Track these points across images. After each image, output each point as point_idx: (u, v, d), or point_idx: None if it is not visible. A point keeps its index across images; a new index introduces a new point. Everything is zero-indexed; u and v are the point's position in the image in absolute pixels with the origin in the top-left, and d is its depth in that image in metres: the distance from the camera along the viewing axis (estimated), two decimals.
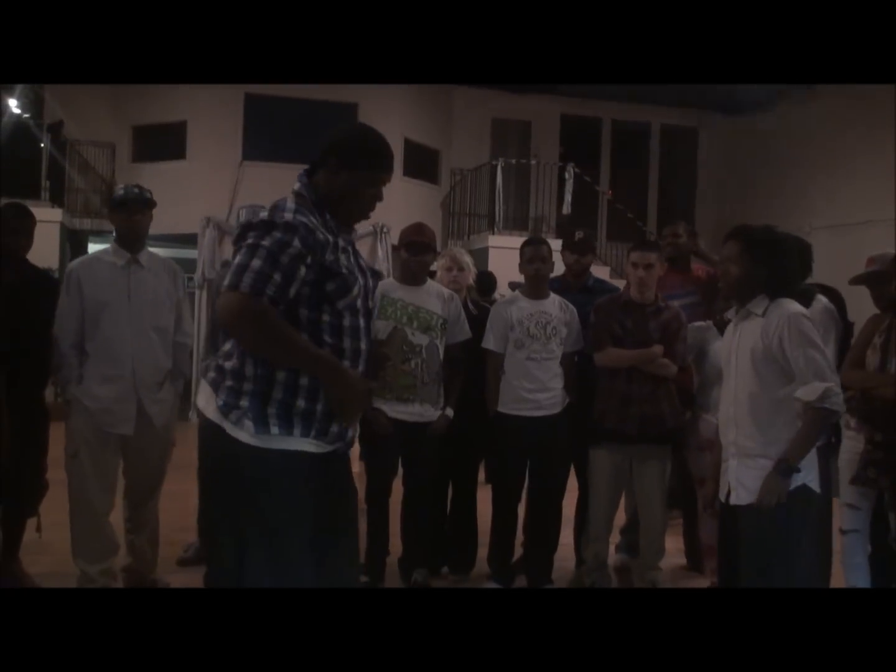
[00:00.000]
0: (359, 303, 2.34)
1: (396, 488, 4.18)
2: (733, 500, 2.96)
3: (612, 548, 4.53)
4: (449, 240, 13.18)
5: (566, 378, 4.22)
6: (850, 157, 12.20)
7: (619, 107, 14.86)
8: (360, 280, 2.35)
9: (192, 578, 4.18)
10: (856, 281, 3.76)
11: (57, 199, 12.86)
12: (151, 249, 4.00)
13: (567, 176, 12.73)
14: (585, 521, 4.37)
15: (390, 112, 12.22)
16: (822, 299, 3.72)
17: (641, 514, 4.26)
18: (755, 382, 2.92)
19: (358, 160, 2.34)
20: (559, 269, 4.43)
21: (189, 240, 11.62)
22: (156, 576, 4.01)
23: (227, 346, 2.31)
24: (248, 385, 2.24)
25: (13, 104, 13.02)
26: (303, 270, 2.21)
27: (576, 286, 4.51)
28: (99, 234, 12.65)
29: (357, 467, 3.63)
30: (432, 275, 4.39)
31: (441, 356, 4.11)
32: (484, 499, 4.47)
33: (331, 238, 2.28)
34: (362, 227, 2.73)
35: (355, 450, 3.26)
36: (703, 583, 4.40)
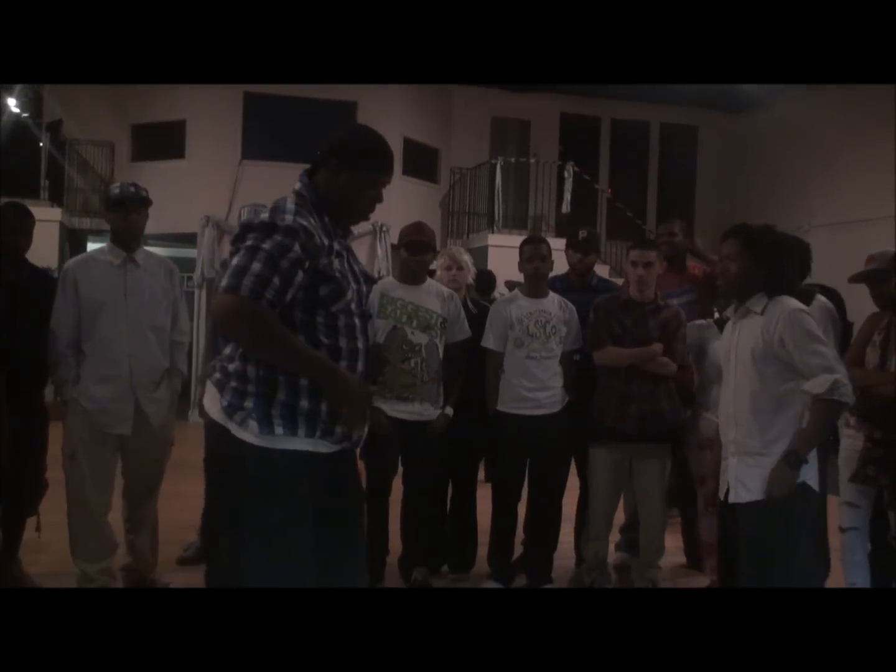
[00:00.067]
0: (353, 306, 2.33)
1: (396, 487, 4.18)
2: (732, 499, 2.96)
3: (611, 546, 4.53)
4: (448, 239, 13.17)
5: (565, 377, 4.22)
6: (850, 154, 12.20)
7: (618, 105, 14.85)
8: (354, 285, 2.35)
9: (192, 577, 4.18)
10: (855, 279, 3.76)
11: (56, 199, 12.85)
12: (150, 248, 4.00)
13: (566, 174, 12.73)
14: (585, 520, 4.37)
15: (390, 111, 12.21)
16: (821, 299, 3.73)
17: (641, 513, 4.26)
18: (755, 380, 2.92)
19: (358, 161, 2.34)
20: (558, 267, 4.43)
21: (188, 239, 11.62)
22: (155, 575, 4.01)
23: (229, 350, 2.32)
24: (252, 386, 2.25)
25: (12, 103, 13.00)
26: (301, 275, 2.21)
27: (579, 285, 4.51)
28: (98, 234, 12.63)
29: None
30: (432, 274, 4.39)
31: (441, 355, 4.11)
32: (484, 497, 4.47)
33: (327, 241, 2.28)
34: (361, 226, 2.73)
35: None
36: (702, 581, 4.40)
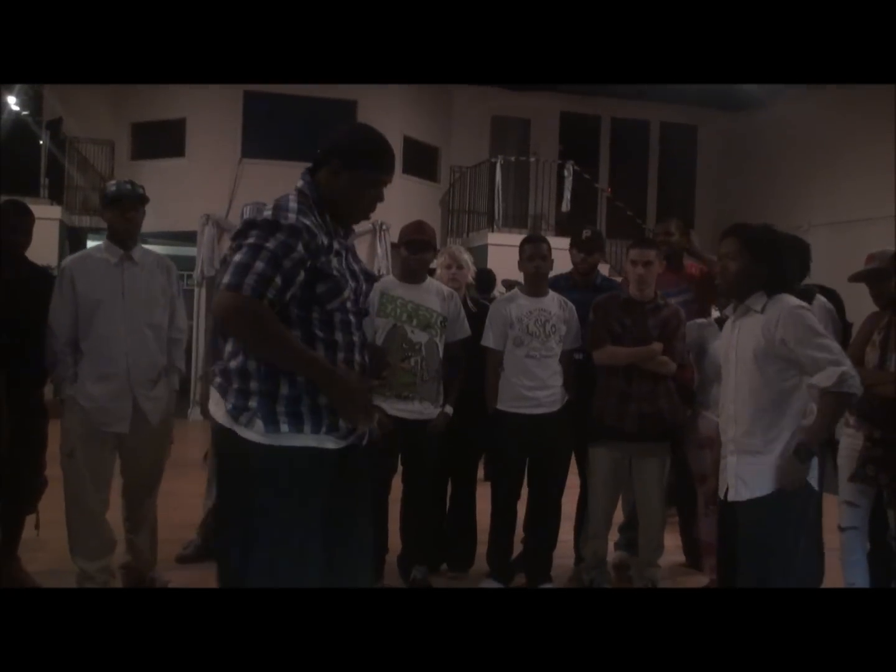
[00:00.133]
0: (349, 304, 2.33)
1: (396, 486, 4.19)
2: (732, 497, 2.96)
3: (611, 545, 4.54)
4: (448, 237, 13.17)
5: (565, 376, 4.23)
6: (850, 154, 12.20)
7: (618, 104, 14.86)
8: (352, 283, 2.35)
9: (191, 576, 4.19)
10: (855, 278, 3.76)
11: (56, 197, 12.85)
12: (149, 247, 3.99)
13: (566, 173, 12.72)
14: (585, 519, 4.37)
15: (390, 109, 12.21)
16: (821, 299, 3.73)
17: (640, 512, 4.26)
18: (756, 379, 2.92)
19: (359, 161, 2.34)
20: (558, 266, 4.43)
21: (188, 237, 11.63)
22: (155, 573, 4.01)
23: (229, 347, 2.32)
24: (255, 384, 2.25)
25: (12, 101, 13.01)
26: (302, 275, 2.22)
27: (583, 284, 4.51)
28: (98, 232, 12.62)
29: None
30: (432, 272, 4.39)
31: (441, 354, 4.11)
32: (483, 496, 4.48)
33: (327, 241, 2.29)
34: (361, 225, 2.73)
35: None
36: (702, 580, 4.41)
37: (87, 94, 12.16)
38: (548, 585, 4.22)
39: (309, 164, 2.44)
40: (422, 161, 13.64)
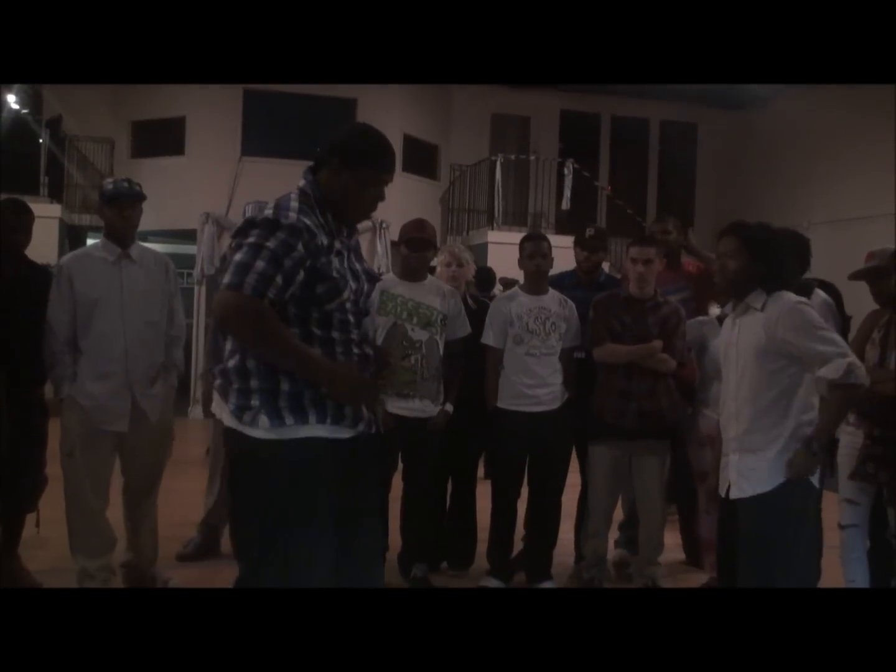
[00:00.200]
0: (348, 305, 2.33)
1: (396, 484, 4.19)
2: (734, 494, 2.96)
3: (611, 543, 4.54)
4: (448, 235, 13.18)
5: (565, 373, 4.23)
6: (850, 152, 12.19)
7: (618, 102, 14.85)
8: (353, 284, 2.34)
9: (192, 574, 4.20)
10: (855, 276, 3.76)
11: (56, 195, 12.85)
12: (149, 245, 3.99)
13: (566, 171, 12.72)
14: (585, 517, 4.37)
15: (389, 108, 12.20)
16: (820, 294, 3.72)
17: (640, 510, 4.27)
18: (759, 377, 2.92)
19: (360, 160, 2.34)
20: (557, 264, 4.43)
21: (188, 236, 11.63)
22: (156, 571, 4.01)
23: (228, 345, 2.33)
24: (255, 382, 2.26)
25: (12, 100, 13.00)
26: (302, 274, 2.22)
27: (587, 282, 4.51)
28: (98, 230, 12.53)
29: None
30: (432, 270, 4.39)
31: (441, 352, 4.11)
32: (483, 494, 4.48)
33: (327, 241, 2.29)
34: (361, 223, 2.73)
35: None
36: (702, 578, 4.41)
37: (86, 93, 12.15)
38: (548, 583, 4.22)
39: (309, 163, 2.44)
40: (422, 159, 13.64)
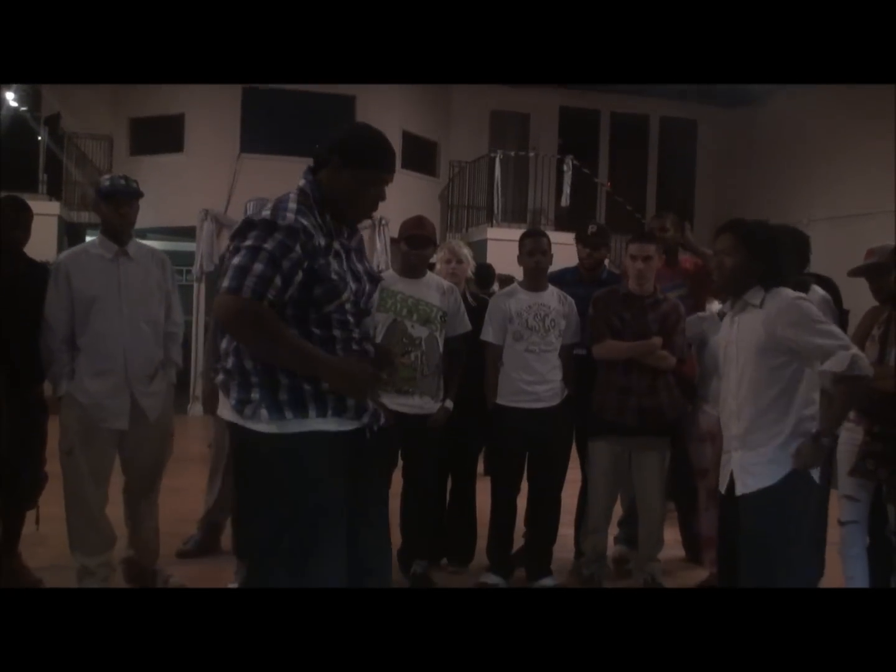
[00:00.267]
0: (348, 306, 2.33)
1: (396, 480, 4.19)
2: (739, 491, 2.95)
3: (610, 539, 4.54)
4: (447, 232, 13.17)
5: (565, 370, 4.23)
6: (850, 148, 12.19)
7: (618, 99, 14.85)
8: (353, 285, 2.34)
9: (192, 570, 4.20)
10: (855, 273, 3.76)
11: (54, 193, 12.85)
12: (149, 242, 3.99)
13: (566, 168, 12.72)
14: (585, 513, 4.38)
15: (389, 104, 12.20)
16: (817, 290, 3.72)
17: (640, 506, 4.27)
18: (759, 373, 2.92)
19: (361, 160, 2.34)
20: (557, 261, 4.42)
21: (187, 233, 11.62)
22: (157, 568, 4.01)
23: (224, 345, 2.33)
24: (255, 377, 2.27)
25: (10, 97, 12.99)
26: (300, 275, 2.22)
27: (589, 279, 4.50)
28: (96, 227, 12.52)
29: None
30: (431, 267, 4.39)
31: (441, 349, 4.11)
32: (483, 490, 4.48)
33: (324, 241, 2.28)
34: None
35: None
36: (702, 574, 4.41)
37: (85, 90, 12.14)
38: (548, 580, 4.22)
39: (307, 159, 2.44)
40: (421, 156, 13.63)
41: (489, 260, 8.92)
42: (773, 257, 2.97)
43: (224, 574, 3.97)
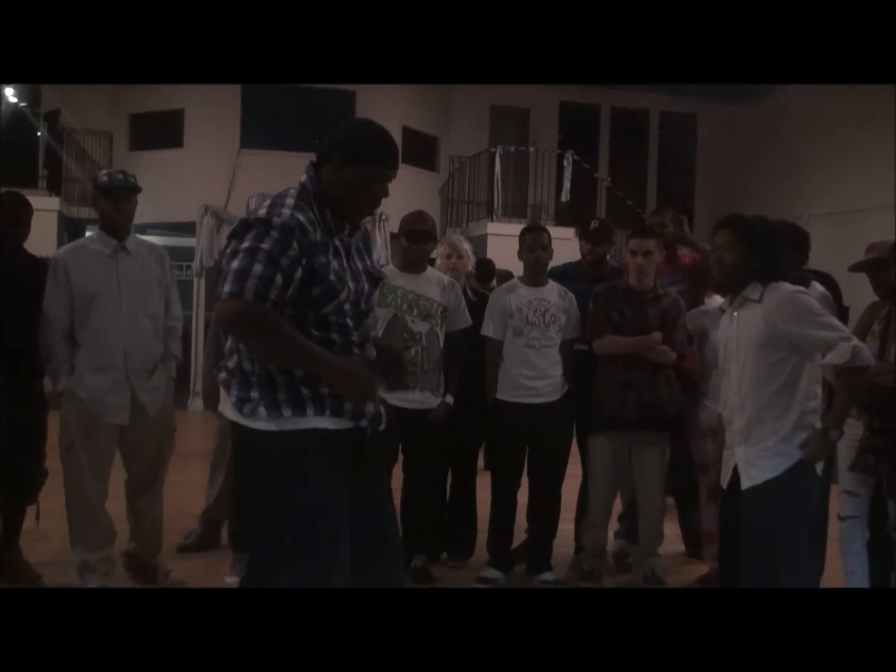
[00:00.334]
0: (346, 307, 2.32)
1: (396, 475, 4.19)
2: (745, 484, 2.95)
3: (611, 534, 4.54)
4: (447, 227, 13.15)
5: (565, 365, 4.23)
6: (850, 144, 12.17)
7: (618, 94, 14.81)
8: (351, 285, 2.32)
9: (193, 565, 4.21)
10: (855, 268, 3.75)
11: (54, 188, 12.85)
12: (148, 237, 3.98)
13: (566, 163, 12.70)
14: (585, 508, 4.38)
15: (389, 100, 12.18)
16: (817, 286, 3.72)
17: (640, 501, 4.27)
18: (761, 368, 2.92)
19: (364, 156, 2.32)
20: (556, 256, 4.42)
21: (187, 228, 11.61)
22: (158, 562, 4.02)
23: (229, 343, 2.34)
24: (254, 377, 2.27)
25: (10, 93, 12.98)
26: (300, 272, 2.21)
27: (591, 274, 4.50)
28: (96, 223, 12.55)
29: None
30: (431, 262, 4.39)
31: (441, 344, 4.11)
32: (483, 485, 4.48)
33: (321, 237, 2.27)
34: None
35: None
36: (702, 569, 4.42)
37: (84, 87, 12.12)
38: (548, 574, 4.23)
39: (307, 155, 2.43)
40: (421, 151, 13.62)
41: (489, 255, 8.92)
42: (772, 252, 2.97)
43: (224, 569, 3.98)
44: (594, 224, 4.52)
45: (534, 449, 4.24)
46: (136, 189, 3.81)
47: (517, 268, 4.46)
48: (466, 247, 4.59)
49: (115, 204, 3.73)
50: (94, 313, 3.68)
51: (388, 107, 11.72)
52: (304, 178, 2.35)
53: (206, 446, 4.85)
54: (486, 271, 7.11)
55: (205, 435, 6.54)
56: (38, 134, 13.00)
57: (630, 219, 11.88)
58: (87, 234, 12.63)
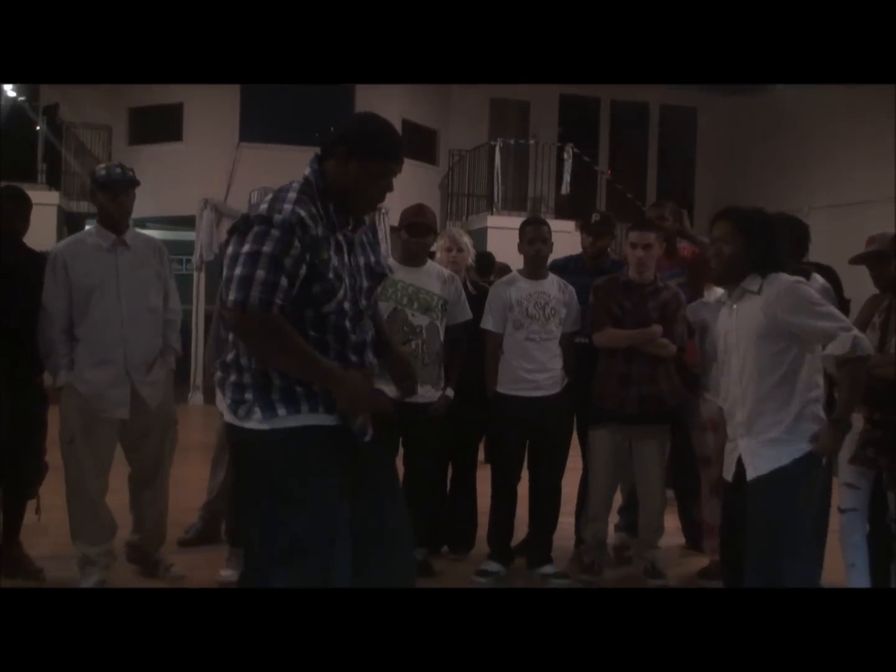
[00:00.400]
0: (345, 305, 2.31)
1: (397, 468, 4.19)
2: (751, 475, 2.94)
3: (611, 527, 4.55)
4: (447, 220, 13.15)
5: (565, 358, 4.23)
6: (850, 137, 12.16)
7: (617, 87, 14.74)
8: (348, 281, 2.31)
9: (193, 559, 4.22)
10: (855, 261, 3.75)
11: (53, 182, 12.83)
12: (148, 231, 3.98)
13: (566, 156, 12.70)
14: (585, 501, 4.38)
15: (388, 93, 12.14)
16: (818, 279, 3.71)
17: (640, 494, 4.27)
18: (762, 360, 2.91)
19: (368, 150, 2.31)
20: (556, 249, 4.41)
21: (187, 222, 11.59)
22: (159, 555, 4.02)
23: (231, 336, 2.34)
24: (248, 377, 2.27)
25: (8, 87, 12.95)
26: (304, 269, 2.20)
27: (592, 267, 4.50)
28: (95, 217, 12.60)
29: None
30: (432, 255, 4.38)
31: (441, 337, 4.11)
32: (483, 479, 4.49)
33: (322, 232, 2.26)
34: None
35: None
36: (702, 562, 4.42)
37: None
38: (548, 567, 4.23)
39: (307, 148, 2.44)
40: (421, 144, 13.61)
41: (489, 248, 8.91)
42: (770, 243, 2.96)
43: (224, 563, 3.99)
44: (595, 217, 4.51)
45: (534, 442, 4.24)
46: (135, 183, 3.80)
47: (517, 261, 4.45)
48: (466, 240, 4.58)
49: (113, 198, 3.73)
50: (93, 307, 3.68)
51: (387, 100, 11.69)
52: (307, 171, 2.33)
53: (206, 440, 4.85)
54: (486, 264, 7.10)
55: (205, 429, 6.54)
56: (38, 128, 12.98)
57: (630, 211, 11.87)
58: (87, 228, 12.67)
